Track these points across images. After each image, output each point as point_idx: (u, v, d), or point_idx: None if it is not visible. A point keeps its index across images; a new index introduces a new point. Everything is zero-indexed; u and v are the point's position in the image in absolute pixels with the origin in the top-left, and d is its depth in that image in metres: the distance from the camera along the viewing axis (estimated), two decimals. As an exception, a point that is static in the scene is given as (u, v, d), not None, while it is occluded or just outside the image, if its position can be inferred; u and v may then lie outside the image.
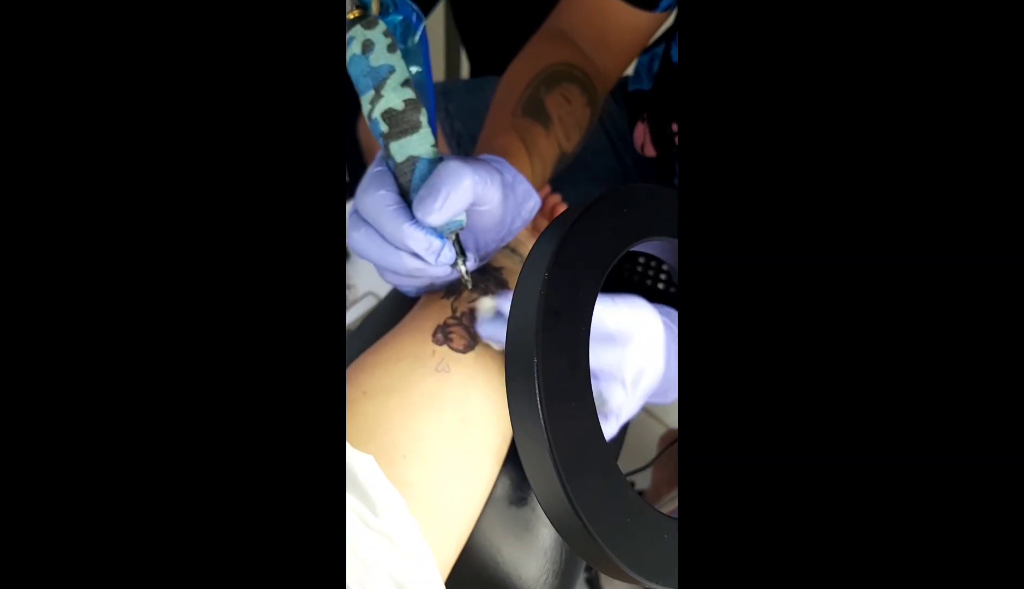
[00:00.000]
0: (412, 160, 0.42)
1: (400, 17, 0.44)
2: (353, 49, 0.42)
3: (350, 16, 0.42)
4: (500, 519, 0.50)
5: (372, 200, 0.41)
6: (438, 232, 0.40)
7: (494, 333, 0.43)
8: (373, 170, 0.42)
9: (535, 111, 0.58)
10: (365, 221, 0.42)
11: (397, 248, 0.41)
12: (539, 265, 0.33)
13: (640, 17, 0.66)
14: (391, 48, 0.42)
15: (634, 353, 0.39)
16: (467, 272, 0.43)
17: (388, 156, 0.42)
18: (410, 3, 0.45)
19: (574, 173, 0.85)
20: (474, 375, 0.43)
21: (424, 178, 0.41)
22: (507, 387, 0.32)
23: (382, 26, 0.42)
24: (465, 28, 1.25)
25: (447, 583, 0.39)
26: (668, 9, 0.68)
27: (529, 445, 0.31)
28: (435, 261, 0.41)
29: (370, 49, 0.42)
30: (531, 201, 0.48)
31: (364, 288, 1.02)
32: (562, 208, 0.65)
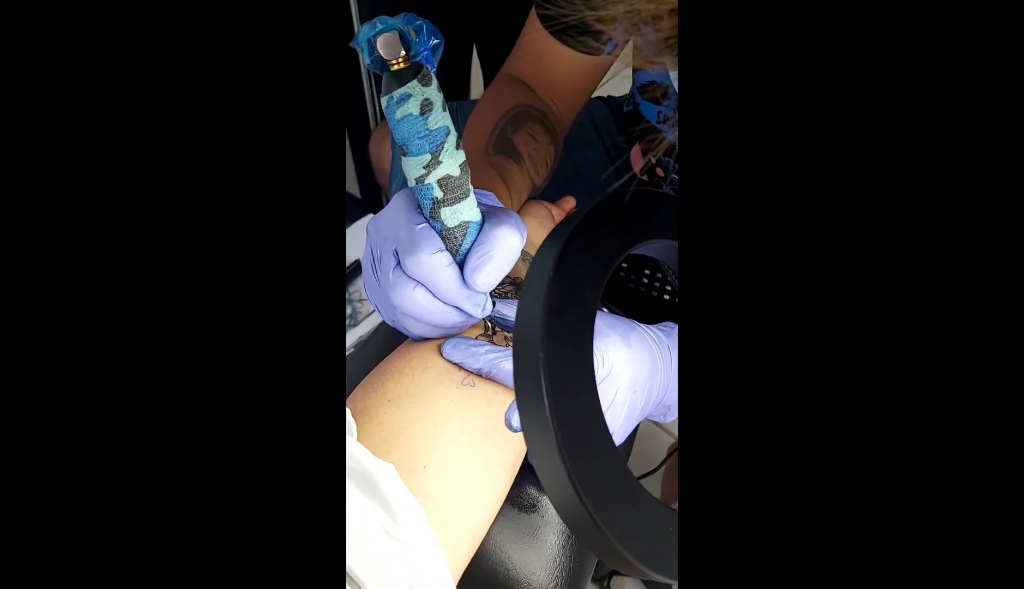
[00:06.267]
0: (464, 225, 0.41)
1: (436, 41, 0.41)
2: (409, 108, 0.38)
3: (395, 66, 0.38)
4: (510, 525, 0.50)
5: (427, 261, 0.41)
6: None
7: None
8: (416, 226, 0.42)
9: (506, 149, 0.60)
10: (413, 280, 0.42)
11: (446, 305, 0.42)
12: (544, 265, 0.34)
13: (586, 61, 0.67)
14: (445, 105, 0.39)
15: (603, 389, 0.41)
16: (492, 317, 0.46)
17: (435, 218, 0.41)
18: (431, 24, 0.41)
19: (575, 187, 0.86)
20: (497, 391, 0.43)
21: (472, 240, 0.42)
22: (515, 382, 0.33)
23: (435, 81, 0.39)
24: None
25: (458, 588, 0.39)
26: (615, 50, 0.68)
27: (536, 437, 0.32)
28: (480, 314, 0.43)
29: (429, 110, 0.38)
30: None
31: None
32: None
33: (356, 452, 0.37)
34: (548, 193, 0.65)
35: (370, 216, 1.20)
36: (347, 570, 0.33)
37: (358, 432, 0.40)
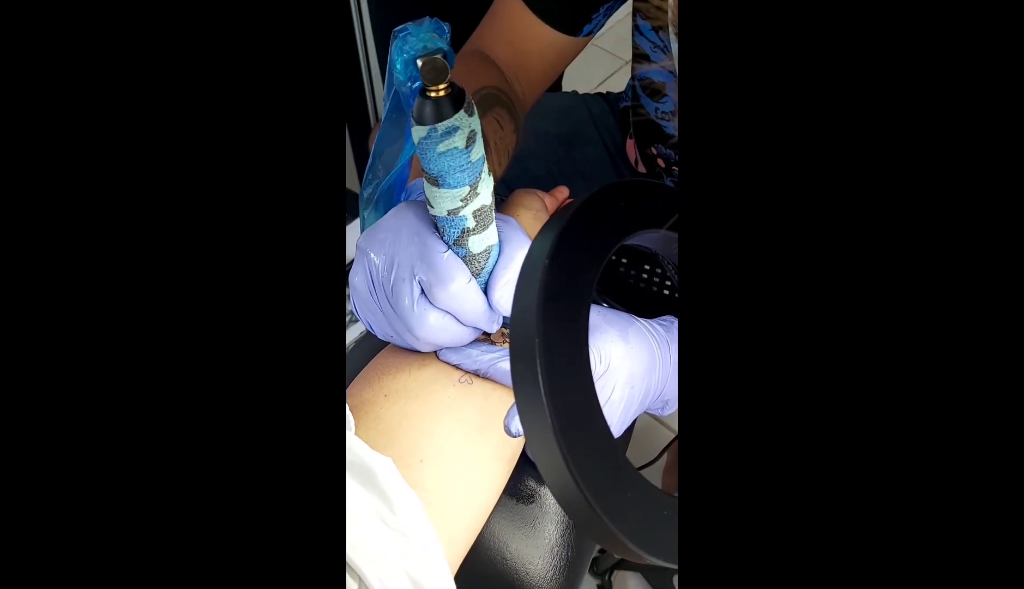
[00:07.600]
0: (488, 249, 0.41)
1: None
2: (455, 142, 0.35)
3: (435, 92, 0.34)
4: (508, 515, 0.50)
5: (460, 292, 0.39)
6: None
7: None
8: (442, 255, 0.40)
9: None
10: (441, 310, 0.40)
11: (467, 327, 0.42)
12: (540, 253, 0.35)
13: (560, 40, 0.64)
14: (481, 132, 0.37)
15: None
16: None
17: (460, 245, 0.39)
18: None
19: (575, 184, 0.87)
20: (495, 388, 0.44)
21: (495, 262, 0.41)
22: (511, 368, 0.34)
23: (474, 109, 0.36)
24: None
25: (456, 579, 0.39)
26: (589, 35, 0.66)
27: (532, 422, 0.32)
28: (494, 329, 0.43)
29: (473, 142, 0.36)
30: None
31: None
32: None
33: (354, 445, 0.37)
34: (545, 190, 0.65)
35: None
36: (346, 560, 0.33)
37: (355, 426, 0.41)
